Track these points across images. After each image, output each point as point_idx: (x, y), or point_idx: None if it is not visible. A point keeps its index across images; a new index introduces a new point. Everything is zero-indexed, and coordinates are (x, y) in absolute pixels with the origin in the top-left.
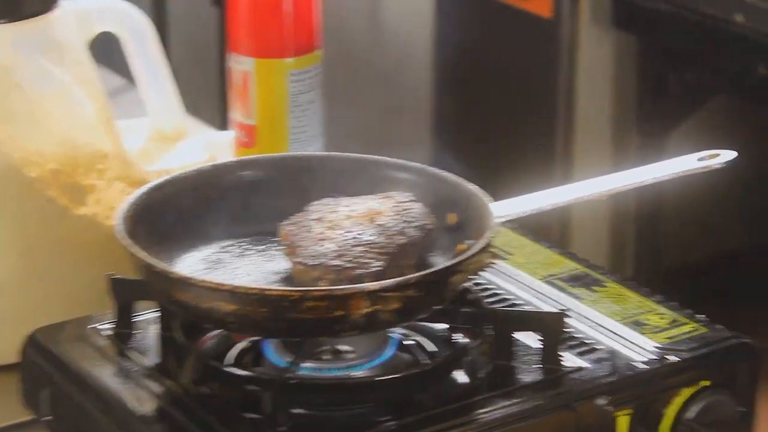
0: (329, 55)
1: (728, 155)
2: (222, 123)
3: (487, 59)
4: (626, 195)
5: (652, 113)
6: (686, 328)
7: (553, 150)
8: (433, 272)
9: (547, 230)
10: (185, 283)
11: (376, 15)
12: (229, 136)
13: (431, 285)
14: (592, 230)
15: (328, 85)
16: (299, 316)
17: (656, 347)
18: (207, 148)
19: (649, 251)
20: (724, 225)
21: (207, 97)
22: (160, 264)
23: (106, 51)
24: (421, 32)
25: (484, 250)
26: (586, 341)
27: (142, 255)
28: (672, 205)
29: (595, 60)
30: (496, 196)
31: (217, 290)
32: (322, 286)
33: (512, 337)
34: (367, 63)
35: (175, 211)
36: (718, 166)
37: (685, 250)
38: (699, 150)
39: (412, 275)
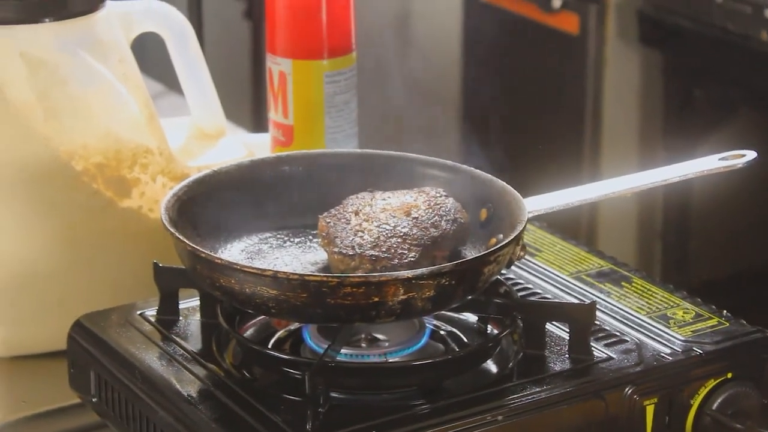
0: (360, 61)
1: (750, 155)
2: (254, 130)
3: (515, 76)
4: (653, 208)
5: (678, 129)
6: (711, 323)
7: (581, 166)
8: (466, 261)
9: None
10: (229, 268)
11: (405, 31)
12: (265, 138)
13: (464, 274)
14: (619, 241)
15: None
16: (337, 301)
17: (682, 340)
18: (246, 146)
19: (676, 263)
20: (749, 237)
21: (239, 107)
22: (204, 250)
23: (143, 57)
24: (450, 50)
25: (515, 241)
26: (614, 333)
27: (188, 242)
28: (698, 219)
29: (622, 76)
30: None
31: (259, 276)
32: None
33: (543, 327)
34: (397, 75)
35: (216, 204)
36: (740, 165)
37: (711, 266)
38: None
39: (445, 264)
